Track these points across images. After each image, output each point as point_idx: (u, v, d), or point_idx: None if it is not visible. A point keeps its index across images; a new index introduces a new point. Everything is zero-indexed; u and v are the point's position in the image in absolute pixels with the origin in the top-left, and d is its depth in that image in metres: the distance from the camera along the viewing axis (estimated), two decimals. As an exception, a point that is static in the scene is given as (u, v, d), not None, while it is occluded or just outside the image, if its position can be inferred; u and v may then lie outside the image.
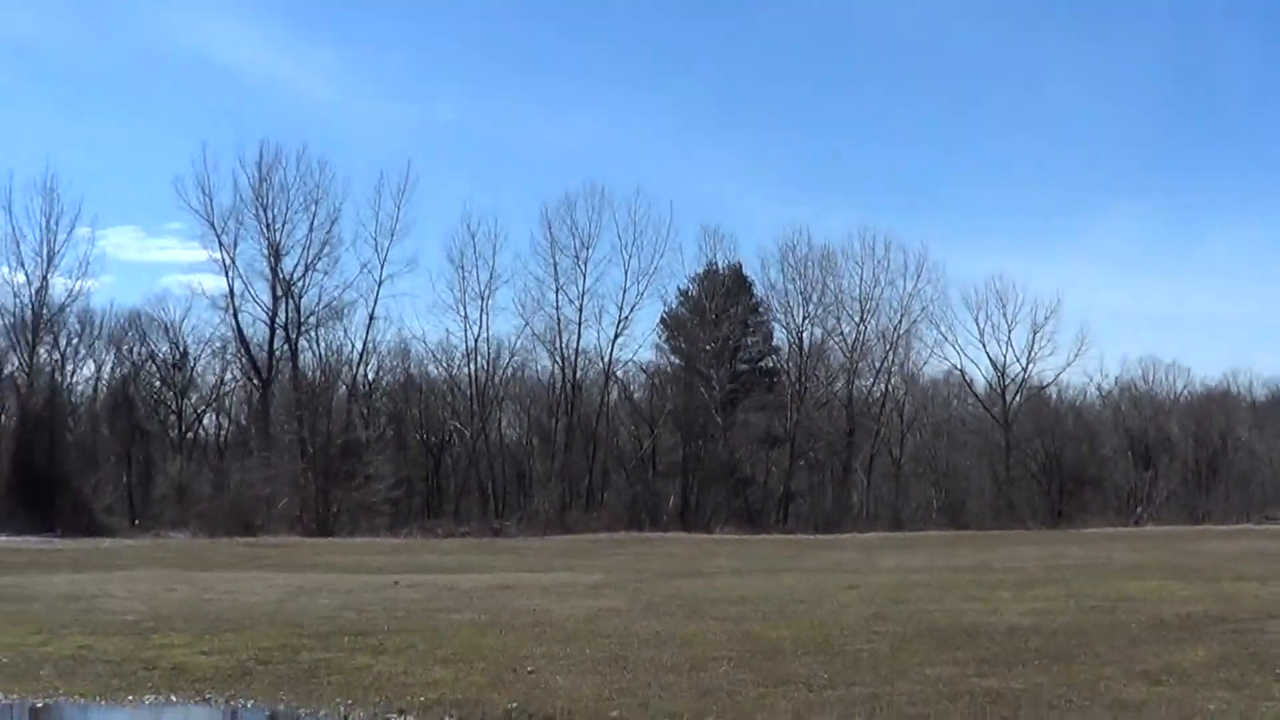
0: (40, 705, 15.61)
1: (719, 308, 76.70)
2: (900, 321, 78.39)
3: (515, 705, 15.00)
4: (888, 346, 78.56)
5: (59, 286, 67.72)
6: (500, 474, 75.78)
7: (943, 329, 79.61)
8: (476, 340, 73.91)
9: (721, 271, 78.02)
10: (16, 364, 67.90)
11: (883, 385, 79.49)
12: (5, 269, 67.44)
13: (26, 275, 66.55)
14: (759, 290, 79.31)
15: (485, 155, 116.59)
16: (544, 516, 67.03)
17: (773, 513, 74.08)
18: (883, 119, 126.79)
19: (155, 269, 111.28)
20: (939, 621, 22.06)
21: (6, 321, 67.16)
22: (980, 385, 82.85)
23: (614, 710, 14.70)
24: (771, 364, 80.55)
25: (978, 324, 79.72)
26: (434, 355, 76.91)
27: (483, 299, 73.58)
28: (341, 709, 15.37)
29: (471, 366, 74.74)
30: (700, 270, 78.21)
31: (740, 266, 79.08)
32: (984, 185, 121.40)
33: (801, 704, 14.80)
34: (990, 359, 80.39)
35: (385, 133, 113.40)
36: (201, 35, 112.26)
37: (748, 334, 79.61)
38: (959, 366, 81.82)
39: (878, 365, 78.74)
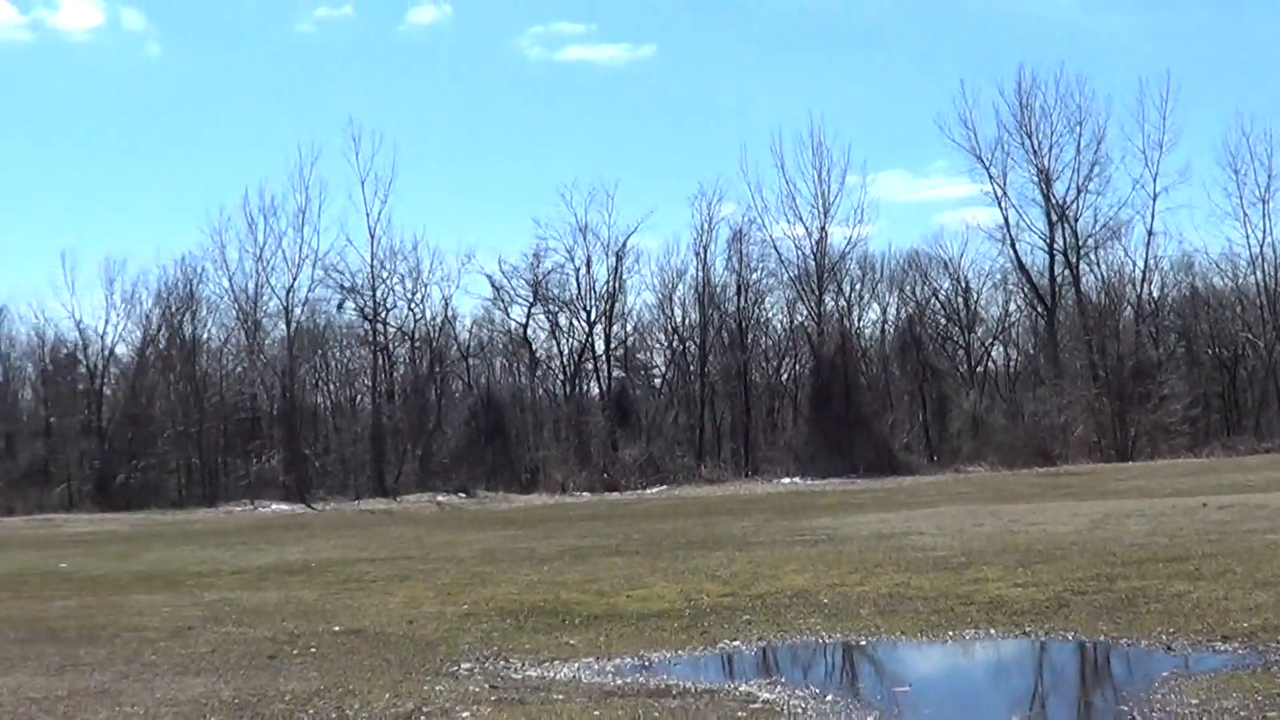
0: (863, 643, 15.99)
1: None
2: None
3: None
4: None
5: (837, 235, 70.13)
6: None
7: None
8: (1261, 246, 70.25)
9: None
10: (805, 314, 71.05)
11: None
12: (784, 223, 70.58)
13: (805, 227, 69.39)
14: None
15: (1250, 54, 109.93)
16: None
17: None
18: None
19: (926, 208, 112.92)
20: None
21: (791, 274, 70.35)
22: None
23: None
24: None
25: None
26: (1218, 266, 73.80)
27: (1263, 203, 69.84)
28: (1164, 637, 14.83)
29: (1258, 274, 71.15)
30: None
31: None
32: None
33: None
34: None
35: (1137, 43, 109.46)
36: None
37: None
38: None
39: None
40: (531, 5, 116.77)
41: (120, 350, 69.30)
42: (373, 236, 66.50)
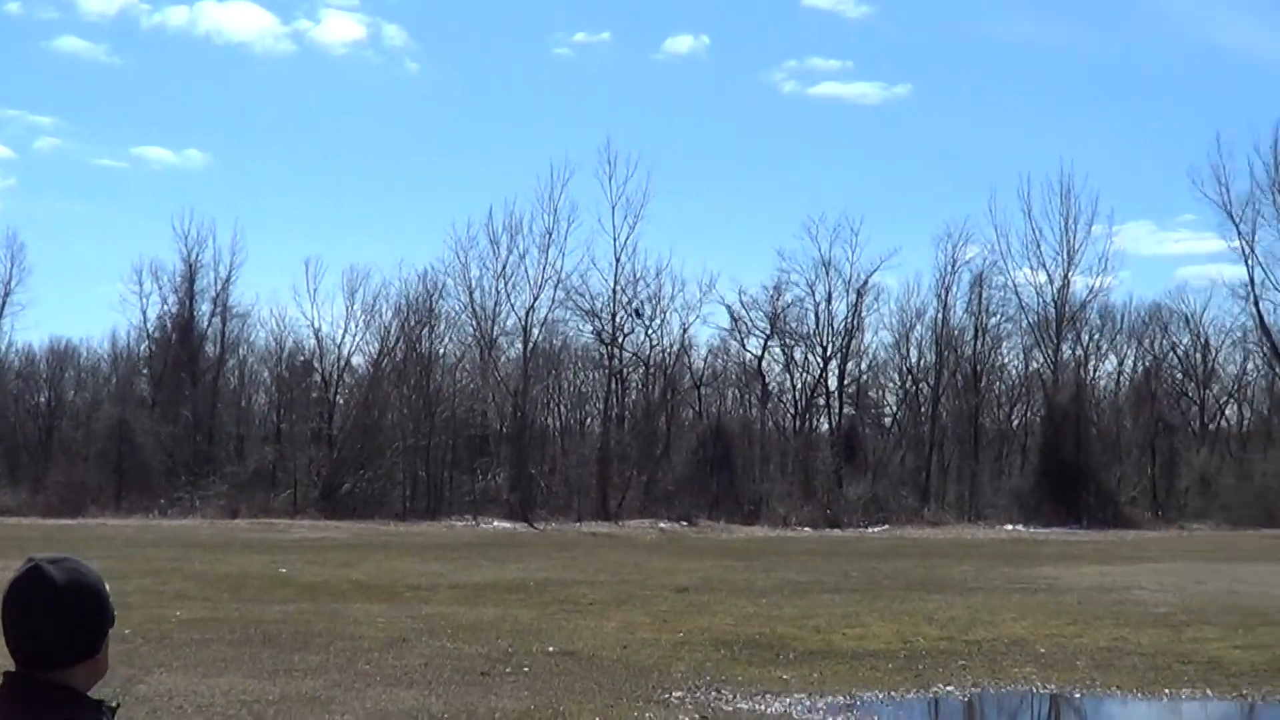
0: (1078, 695, 15.83)
1: None
2: None
3: None
4: None
5: (1079, 284, 69.00)
6: None
7: None
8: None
9: None
10: (1042, 360, 70.01)
11: None
12: (1028, 269, 69.69)
13: (1048, 274, 68.42)
14: None
15: None
16: None
17: None
18: None
19: (1170, 261, 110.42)
20: None
21: (1031, 320, 69.40)
22: None
23: None
24: None
25: None
26: None
27: None
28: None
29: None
30: None
31: None
32: None
33: None
34: None
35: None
36: (1197, 20, 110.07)
37: None
38: None
39: None
40: (788, 40, 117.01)
41: (356, 360, 71.06)
42: (617, 261, 67.24)
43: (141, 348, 75.22)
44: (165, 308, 72.40)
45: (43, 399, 79.64)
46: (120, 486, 63.60)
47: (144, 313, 72.52)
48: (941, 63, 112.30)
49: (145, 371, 75.10)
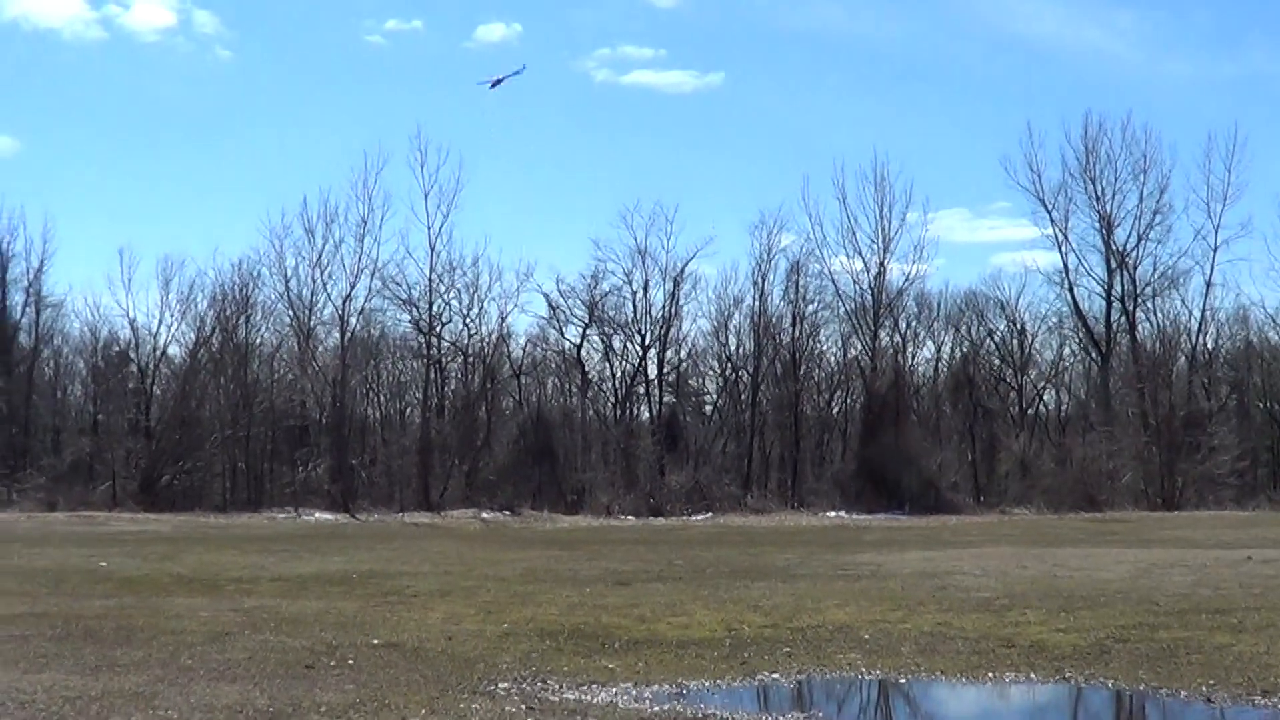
0: (904, 680, 15.94)
1: None
2: None
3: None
4: None
5: (895, 271, 70.12)
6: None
7: None
8: (1321, 300, 69.67)
9: None
10: (860, 348, 70.86)
11: None
12: (844, 257, 70.51)
13: (864, 261, 69.37)
14: None
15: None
16: None
17: None
18: None
19: (985, 248, 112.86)
20: None
21: (848, 308, 70.24)
22: None
23: None
24: None
25: None
26: (1274, 320, 73.21)
27: (1325, 258, 69.26)
28: (1203, 689, 14.78)
29: (1318, 328, 70.62)
30: None
31: None
32: None
33: None
34: None
35: (1203, 92, 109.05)
36: (1006, 12, 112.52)
37: None
38: None
39: None
40: (600, 28, 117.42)
41: (172, 350, 69.56)
42: (433, 250, 66.83)
43: (-49, 338, 72.90)
44: (-24, 297, 70.32)
45: None
46: (-66, 480, 61.76)
47: (-46, 302, 70.40)
48: (754, 51, 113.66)
49: (-43, 362, 72.80)
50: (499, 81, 66.40)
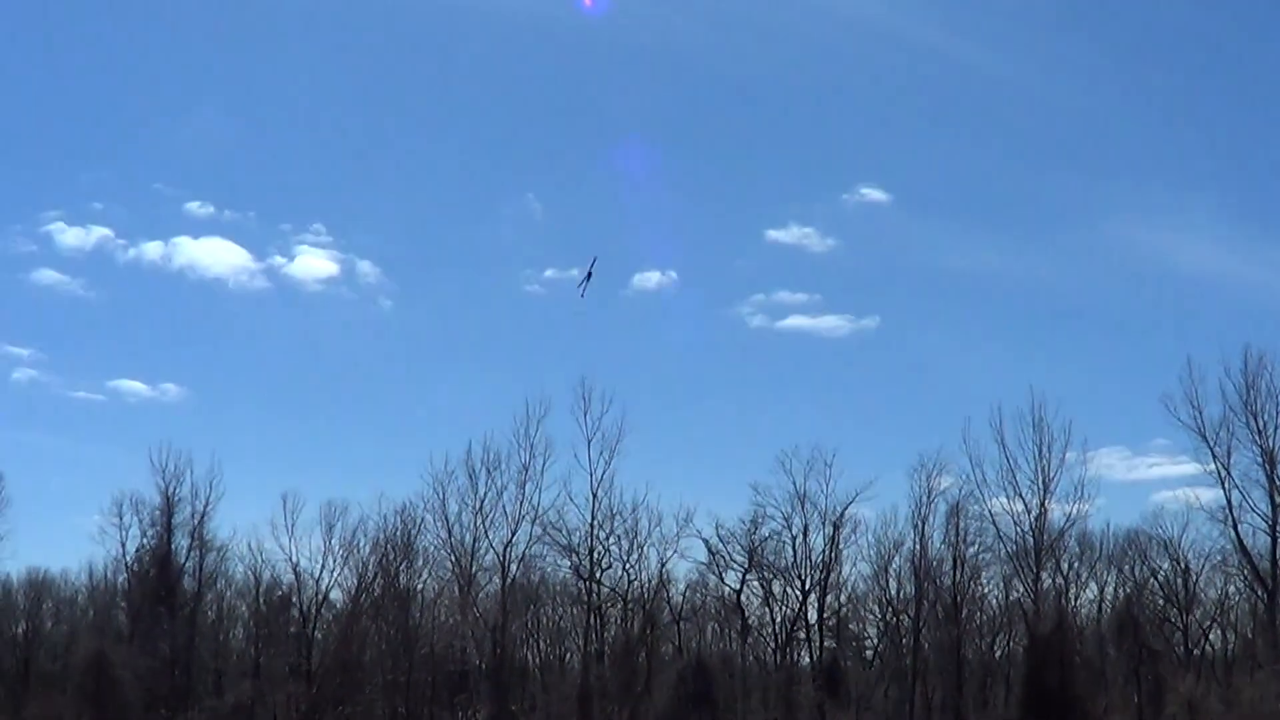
0: None
1: None
2: None
3: None
4: None
5: (1056, 511, 69.33)
6: None
7: None
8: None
9: None
10: (1022, 590, 70.01)
11: None
12: (1004, 498, 69.92)
13: (1024, 503, 68.76)
14: None
15: None
16: None
17: None
18: None
19: (1145, 486, 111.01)
20: None
21: (1009, 549, 69.55)
22: None
23: None
24: None
25: None
26: None
27: None
28: None
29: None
30: None
31: None
32: None
33: None
34: None
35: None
36: (1162, 249, 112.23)
37: None
38: None
39: None
40: (755, 274, 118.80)
41: (334, 595, 70.91)
42: (594, 496, 67.66)
43: (119, 580, 75.31)
44: (143, 540, 72.78)
45: (20, 630, 79.21)
46: (99, 719, 62.87)
47: (122, 545, 73.02)
48: (908, 294, 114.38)
49: (123, 604, 74.92)
50: (586, 279, 67.84)
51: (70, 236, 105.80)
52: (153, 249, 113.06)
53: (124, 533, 72.43)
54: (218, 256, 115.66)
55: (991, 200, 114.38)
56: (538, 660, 75.17)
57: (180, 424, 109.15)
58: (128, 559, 73.38)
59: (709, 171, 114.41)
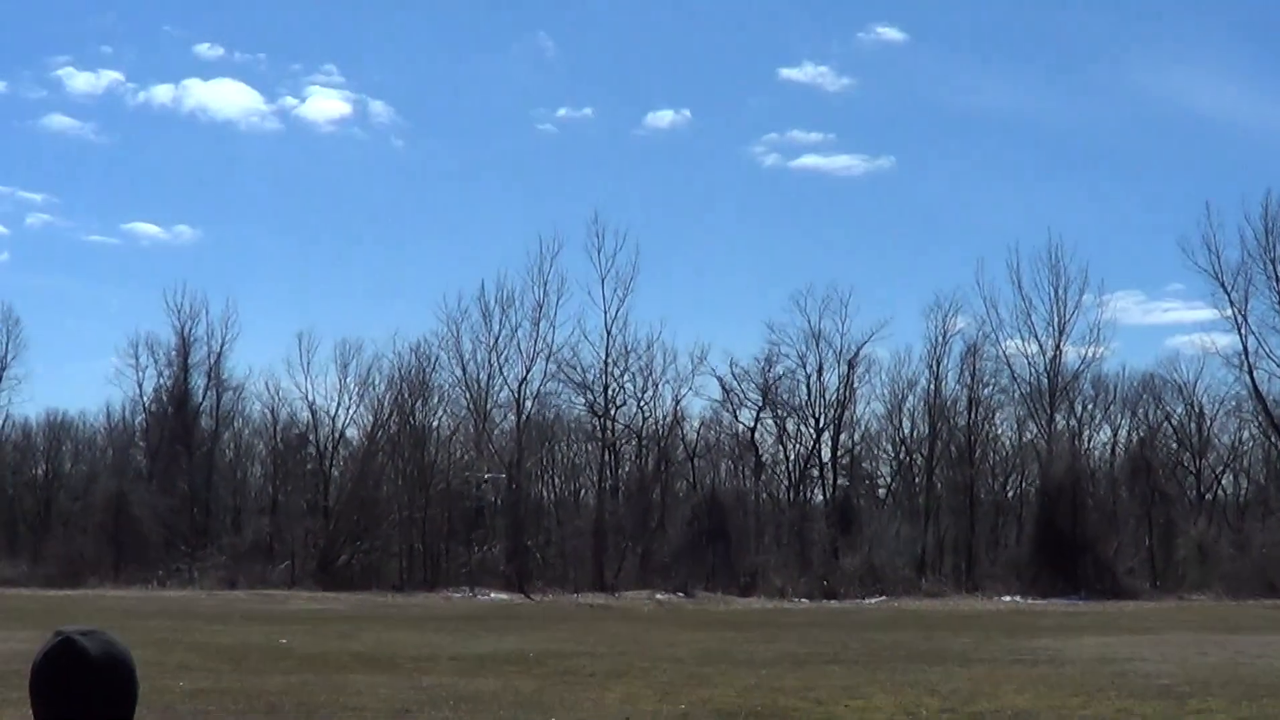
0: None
1: None
2: None
3: None
4: None
5: (1071, 354, 69.24)
6: None
7: None
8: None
9: None
10: (1035, 431, 70.12)
11: None
12: (1019, 340, 69.86)
13: (1040, 344, 68.65)
14: None
15: None
16: None
17: None
18: None
19: (1161, 330, 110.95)
20: None
21: (1023, 391, 69.57)
22: None
23: None
24: None
25: None
26: None
27: None
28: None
29: None
30: None
31: None
32: None
33: None
34: None
35: None
36: (1183, 91, 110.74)
37: None
38: None
39: None
40: (769, 113, 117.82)
41: (350, 433, 71.14)
42: (608, 333, 67.55)
43: (137, 421, 75.45)
44: (160, 381, 72.79)
45: (40, 471, 79.84)
46: (118, 558, 63.76)
47: (139, 386, 73.03)
48: (924, 134, 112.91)
49: (141, 444, 75.23)
50: None
51: (80, 81, 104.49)
52: (163, 92, 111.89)
53: (140, 374, 72.64)
54: (228, 99, 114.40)
55: (1009, 40, 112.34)
56: (552, 496, 75.70)
57: (195, 265, 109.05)
58: (145, 400, 73.71)
59: (722, 8, 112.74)
